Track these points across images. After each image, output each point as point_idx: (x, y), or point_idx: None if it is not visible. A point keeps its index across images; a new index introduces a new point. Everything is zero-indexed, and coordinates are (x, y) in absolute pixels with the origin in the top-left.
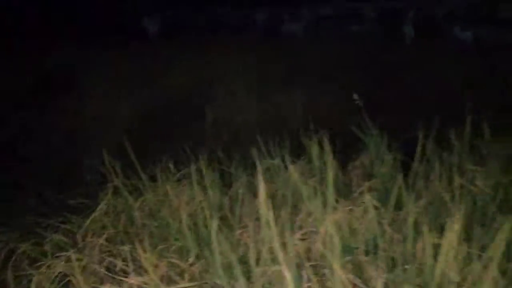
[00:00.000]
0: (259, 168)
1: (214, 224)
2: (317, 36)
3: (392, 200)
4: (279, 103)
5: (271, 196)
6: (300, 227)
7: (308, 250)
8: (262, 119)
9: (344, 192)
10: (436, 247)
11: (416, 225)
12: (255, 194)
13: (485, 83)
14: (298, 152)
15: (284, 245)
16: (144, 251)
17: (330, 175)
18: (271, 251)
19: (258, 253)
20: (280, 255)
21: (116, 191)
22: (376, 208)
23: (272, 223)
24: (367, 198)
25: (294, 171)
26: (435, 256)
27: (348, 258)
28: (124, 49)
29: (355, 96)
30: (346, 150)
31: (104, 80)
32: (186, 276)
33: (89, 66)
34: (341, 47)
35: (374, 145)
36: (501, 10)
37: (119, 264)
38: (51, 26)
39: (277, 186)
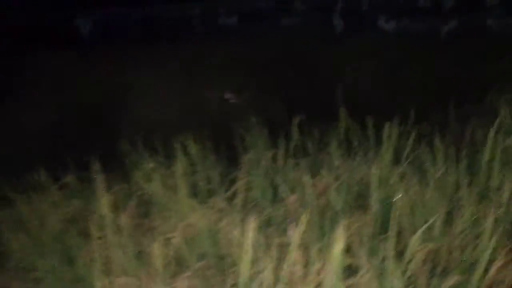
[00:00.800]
0: (99, 177)
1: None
2: (250, 30)
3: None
4: (179, 107)
5: (146, 202)
6: (159, 234)
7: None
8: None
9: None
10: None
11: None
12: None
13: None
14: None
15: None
16: None
17: (182, 179)
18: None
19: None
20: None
21: None
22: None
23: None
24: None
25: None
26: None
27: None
28: (40, 54)
29: (227, 95)
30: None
31: None
32: None
33: None
34: (266, 43)
35: (257, 143)
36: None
37: None
38: None
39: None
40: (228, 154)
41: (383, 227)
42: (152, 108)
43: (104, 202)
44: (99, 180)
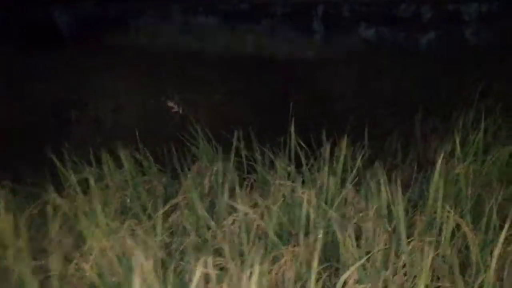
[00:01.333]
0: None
1: None
2: (228, 31)
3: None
4: (128, 113)
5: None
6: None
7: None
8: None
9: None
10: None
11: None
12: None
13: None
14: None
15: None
16: None
17: (112, 195)
18: None
19: None
20: None
21: None
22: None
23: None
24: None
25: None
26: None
27: None
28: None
29: (171, 104)
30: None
31: None
32: None
33: None
34: (241, 45)
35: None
36: (400, 9)
37: None
38: None
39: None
40: (174, 166)
41: (322, 259)
42: (97, 114)
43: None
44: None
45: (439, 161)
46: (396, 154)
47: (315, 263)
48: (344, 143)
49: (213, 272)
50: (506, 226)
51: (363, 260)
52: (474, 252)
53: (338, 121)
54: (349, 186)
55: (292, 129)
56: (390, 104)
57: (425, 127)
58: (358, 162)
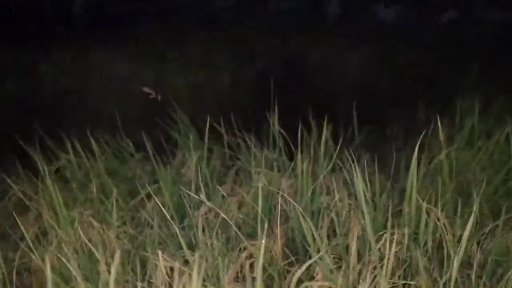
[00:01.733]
0: None
1: None
2: (238, 15)
3: None
4: (115, 100)
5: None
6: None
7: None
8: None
9: None
10: None
11: None
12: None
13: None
14: None
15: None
16: None
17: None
18: None
19: None
20: None
21: None
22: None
23: None
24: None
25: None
26: None
27: None
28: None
29: (146, 89)
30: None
31: None
32: None
33: None
34: (250, 29)
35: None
36: None
37: None
38: None
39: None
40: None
41: (293, 250)
42: (83, 100)
43: None
44: None
45: (416, 148)
46: (397, 141)
47: (260, 258)
48: (325, 130)
49: (167, 266)
50: (471, 220)
51: (319, 255)
52: (451, 247)
53: (340, 107)
54: (323, 174)
55: (276, 116)
56: (390, 93)
57: (431, 114)
58: (335, 149)
